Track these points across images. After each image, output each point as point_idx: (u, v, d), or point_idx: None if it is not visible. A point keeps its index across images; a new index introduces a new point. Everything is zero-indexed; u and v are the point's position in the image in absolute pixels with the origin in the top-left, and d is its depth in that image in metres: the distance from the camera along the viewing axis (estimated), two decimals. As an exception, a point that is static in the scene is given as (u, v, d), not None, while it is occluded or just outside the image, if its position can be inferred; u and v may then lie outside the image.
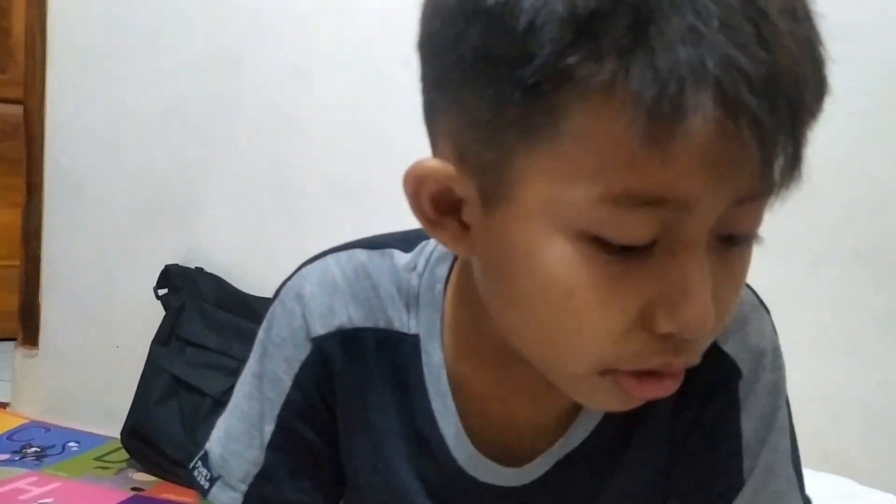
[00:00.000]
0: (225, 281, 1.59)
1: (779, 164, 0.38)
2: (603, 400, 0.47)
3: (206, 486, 0.61)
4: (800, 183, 0.39)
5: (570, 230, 0.40)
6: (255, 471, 0.60)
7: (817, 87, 0.39)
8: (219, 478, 0.61)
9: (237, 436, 0.61)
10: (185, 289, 1.56)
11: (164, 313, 1.55)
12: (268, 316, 0.62)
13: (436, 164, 0.45)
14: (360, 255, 0.59)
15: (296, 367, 0.59)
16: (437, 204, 0.46)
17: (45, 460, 1.52)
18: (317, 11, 1.50)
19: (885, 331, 1.23)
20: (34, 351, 1.76)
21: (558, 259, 0.41)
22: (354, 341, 0.58)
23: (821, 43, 0.40)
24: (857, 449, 1.24)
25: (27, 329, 1.77)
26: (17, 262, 1.82)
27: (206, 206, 1.61)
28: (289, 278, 0.62)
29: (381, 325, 0.58)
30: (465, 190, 0.44)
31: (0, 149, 2.40)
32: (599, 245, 0.40)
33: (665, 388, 0.45)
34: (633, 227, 0.39)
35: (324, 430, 0.60)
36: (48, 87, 1.72)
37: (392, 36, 1.19)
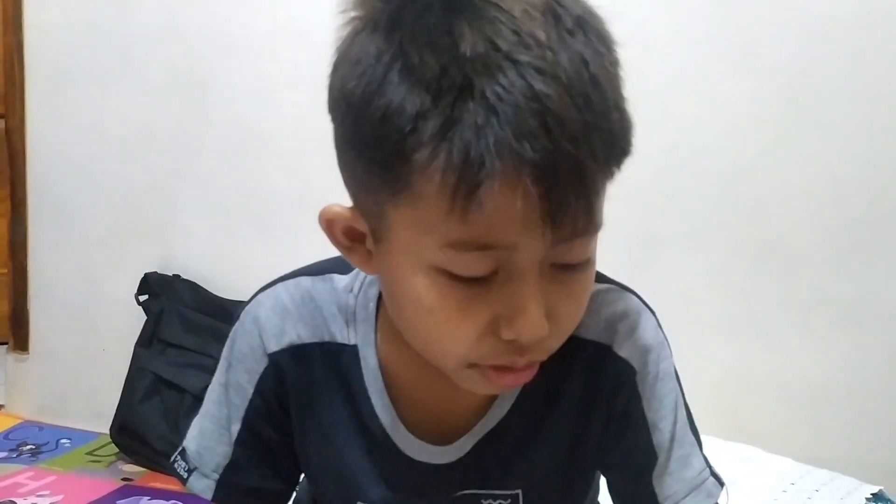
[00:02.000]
0: (200, 286, 1.70)
1: (573, 218, 0.50)
2: (477, 385, 0.61)
3: (185, 476, 0.75)
4: (600, 224, 0.53)
5: (426, 266, 0.53)
6: (224, 462, 0.73)
7: (605, 157, 0.50)
8: (195, 469, 0.74)
9: (209, 435, 0.74)
10: (164, 294, 1.68)
11: (145, 318, 1.67)
12: (231, 335, 0.75)
13: (339, 208, 0.59)
14: (305, 281, 0.72)
15: (256, 378, 0.72)
16: (349, 234, 0.60)
17: (41, 456, 1.64)
18: (275, 34, 1.61)
19: (790, 315, 1.37)
20: (25, 355, 1.87)
21: (419, 286, 0.55)
22: (304, 355, 0.72)
23: (616, 112, 0.51)
24: (767, 420, 1.38)
25: (17, 335, 1.88)
26: (4, 271, 1.94)
27: (180, 218, 1.73)
28: (247, 303, 0.75)
29: (326, 339, 0.71)
30: (362, 226, 0.58)
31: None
32: (450, 276, 0.53)
33: (519, 379, 0.60)
34: (472, 265, 0.52)
35: (281, 429, 0.74)
36: (27, 108, 1.82)
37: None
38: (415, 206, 0.51)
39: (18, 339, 1.88)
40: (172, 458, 0.76)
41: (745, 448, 1.25)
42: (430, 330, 0.57)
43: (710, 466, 0.71)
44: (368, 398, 0.71)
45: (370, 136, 0.51)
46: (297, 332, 0.72)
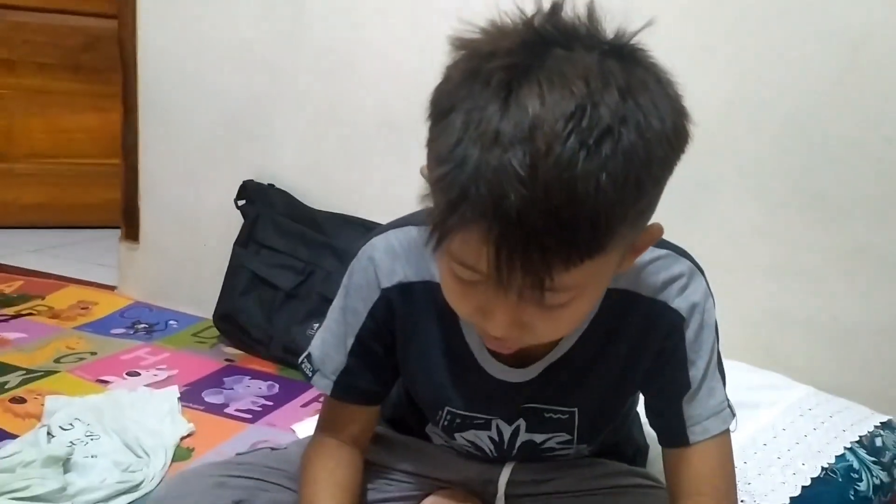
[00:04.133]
0: (292, 195, 1.86)
1: (520, 285, 0.63)
2: (487, 342, 0.81)
3: (310, 375, 0.95)
4: (568, 288, 0.65)
5: (447, 262, 0.70)
6: (341, 368, 0.93)
7: (560, 255, 0.61)
8: (318, 370, 0.95)
9: (329, 345, 0.94)
10: (259, 200, 1.86)
11: (242, 220, 1.87)
12: (349, 268, 0.93)
13: None
14: (412, 230, 0.89)
15: (369, 306, 0.91)
16: None
17: (154, 335, 1.88)
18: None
19: (831, 263, 1.47)
20: (136, 245, 2.09)
21: (439, 262, 0.73)
22: (409, 290, 0.90)
23: (588, 223, 0.59)
24: (796, 354, 1.51)
25: (129, 226, 2.09)
26: (108, 161, 2.11)
27: (275, 132, 1.88)
28: (364, 242, 0.93)
29: (427, 278, 0.89)
30: None
31: (83, 59, 2.68)
32: (452, 269, 0.70)
33: (507, 349, 0.78)
34: (460, 271, 0.68)
35: (386, 347, 0.93)
36: (138, 15, 1.97)
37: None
38: None
39: (130, 229, 2.10)
40: (300, 360, 0.96)
41: (773, 375, 1.41)
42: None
43: (728, 400, 0.88)
44: (460, 327, 0.89)
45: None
46: (404, 273, 0.90)
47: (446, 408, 0.94)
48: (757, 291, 1.54)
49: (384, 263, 0.90)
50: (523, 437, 0.96)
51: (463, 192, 0.59)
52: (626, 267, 0.77)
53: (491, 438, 0.97)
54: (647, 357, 0.88)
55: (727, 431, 0.88)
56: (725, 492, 0.86)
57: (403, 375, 0.97)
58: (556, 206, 0.57)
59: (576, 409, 0.93)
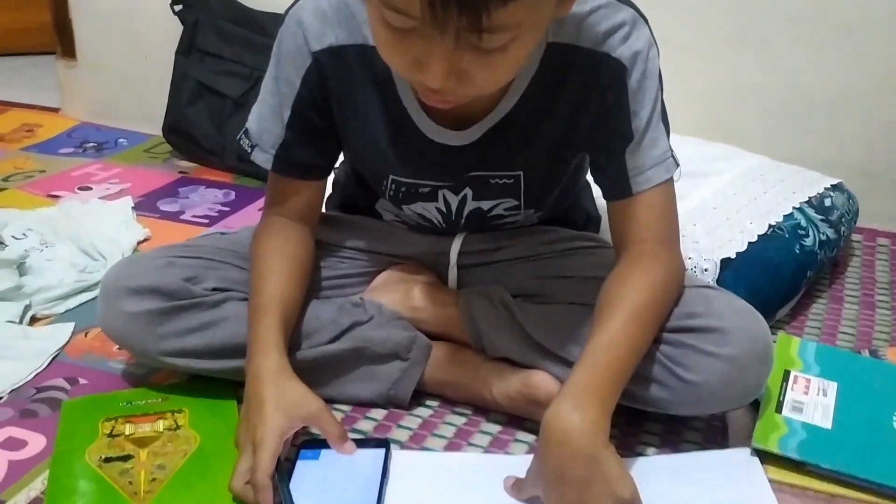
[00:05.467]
0: (232, -2, 1.78)
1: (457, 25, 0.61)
2: (422, 96, 0.78)
3: (249, 150, 0.93)
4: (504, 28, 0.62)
5: (375, 3, 0.66)
6: (279, 141, 0.91)
7: None
8: (256, 145, 0.92)
9: (266, 118, 0.91)
10: (197, 4, 1.76)
11: (181, 28, 1.78)
12: (278, 36, 0.88)
13: None
14: None
15: (302, 73, 0.87)
16: None
17: (104, 152, 1.83)
18: None
19: (788, 30, 1.45)
20: (73, 63, 1.99)
21: (371, 16, 0.70)
22: (342, 55, 0.86)
23: None
24: (750, 125, 1.52)
25: (64, 42, 1.98)
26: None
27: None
28: (290, 8, 0.87)
29: (360, 41, 0.85)
30: None
31: None
32: (384, 19, 0.66)
33: (445, 104, 0.75)
34: (392, 17, 0.65)
35: (324, 116, 0.90)
36: None
37: None
38: None
39: (65, 46, 1.99)
40: (238, 137, 0.94)
41: (726, 147, 1.41)
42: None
43: (671, 151, 0.88)
44: (396, 91, 0.86)
45: None
46: (335, 35, 0.86)
47: (390, 176, 0.93)
48: (711, 63, 1.51)
49: (313, 26, 0.86)
50: (470, 205, 0.96)
51: None
52: (565, 10, 0.74)
53: (438, 210, 0.96)
54: (590, 112, 0.86)
55: (670, 181, 0.88)
56: (667, 237, 0.87)
57: (345, 147, 0.95)
58: None
59: (521, 173, 0.92)
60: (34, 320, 1.14)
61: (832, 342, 1.11)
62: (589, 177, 0.99)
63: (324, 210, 1.04)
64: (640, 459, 0.85)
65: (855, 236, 1.42)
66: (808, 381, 0.90)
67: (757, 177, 1.29)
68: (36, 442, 0.88)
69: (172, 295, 0.89)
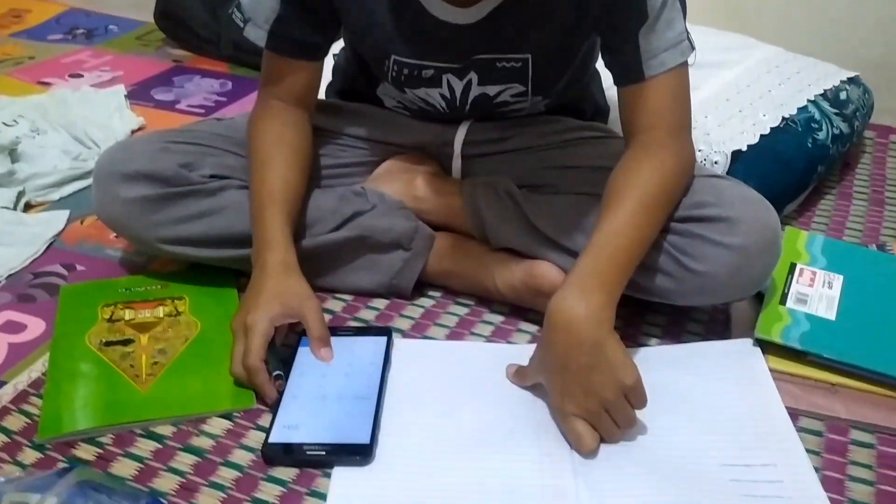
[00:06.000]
0: None
1: None
2: None
3: (242, 25, 0.89)
4: None
5: None
6: (273, 15, 0.86)
7: None
8: (250, 20, 0.88)
9: (259, -9, 0.86)
10: None
11: None
12: None
13: None
14: None
15: None
16: None
17: (94, 39, 1.77)
18: None
19: None
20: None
21: None
22: None
23: None
24: (770, 17, 1.46)
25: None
26: None
27: None
28: None
29: None
30: None
31: None
32: None
33: None
34: None
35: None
36: None
37: None
38: None
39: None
40: (230, 10, 0.90)
41: (741, 37, 1.35)
42: None
43: (687, 33, 0.83)
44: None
45: None
46: None
47: (392, 56, 0.89)
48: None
49: None
50: (475, 90, 0.92)
51: None
52: None
53: (442, 95, 0.93)
54: None
55: (685, 65, 0.84)
56: (679, 125, 0.84)
57: (344, 25, 0.91)
58: None
59: (528, 56, 0.88)
60: (28, 207, 1.12)
61: (839, 238, 1.09)
62: (599, 64, 0.95)
63: (324, 98, 1.00)
64: (643, 349, 0.85)
65: (868, 133, 1.39)
66: (814, 273, 0.89)
67: (772, 68, 1.24)
68: (35, 326, 0.88)
69: (168, 181, 0.87)
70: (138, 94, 1.49)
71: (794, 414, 0.77)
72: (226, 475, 0.70)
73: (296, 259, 0.82)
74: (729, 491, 0.68)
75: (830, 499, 0.67)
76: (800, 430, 0.75)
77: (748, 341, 0.84)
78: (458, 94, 0.92)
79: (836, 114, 1.19)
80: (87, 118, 1.32)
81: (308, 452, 0.71)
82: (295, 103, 0.92)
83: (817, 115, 1.16)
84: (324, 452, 0.71)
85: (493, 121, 0.98)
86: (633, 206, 0.76)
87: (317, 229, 0.91)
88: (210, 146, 0.92)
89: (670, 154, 0.81)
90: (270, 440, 0.72)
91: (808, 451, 0.72)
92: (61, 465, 0.70)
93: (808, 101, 1.17)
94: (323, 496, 0.68)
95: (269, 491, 0.69)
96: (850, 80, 1.28)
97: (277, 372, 0.76)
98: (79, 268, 0.98)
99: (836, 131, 1.17)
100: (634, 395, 0.71)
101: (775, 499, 0.67)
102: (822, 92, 1.21)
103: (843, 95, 1.23)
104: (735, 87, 1.18)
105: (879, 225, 1.14)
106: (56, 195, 1.14)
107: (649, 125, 0.83)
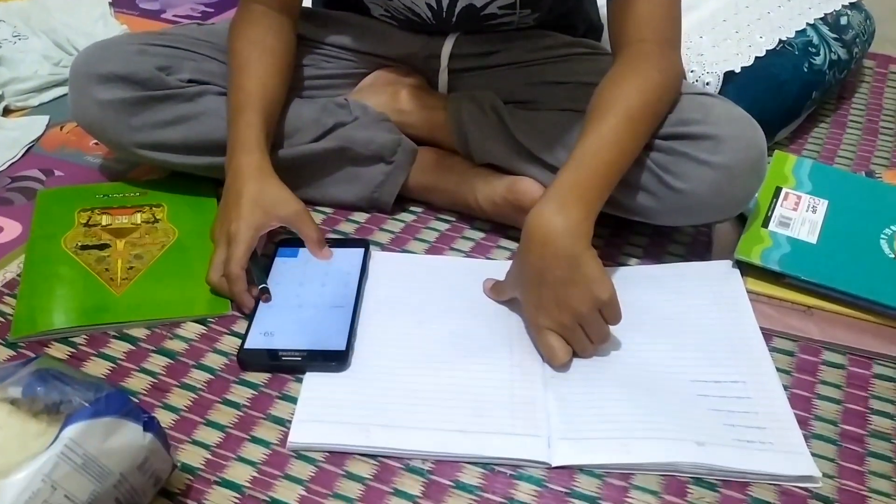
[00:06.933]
0: None
1: None
2: None
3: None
4: None
5: None
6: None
7: None
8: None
9: None
10: None
11: None
12: None
13: None
14: None
15: None
16: None
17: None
18: None
19: None
20: None
21: None
22: None
23: None
24: None
25: None
26: None
27: None
28: None
29: None
30: None
31: None
32: None
33: None
34: None
35: None
36: None
37: None
38: None
39: None
40: None
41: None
42: None
43: None
44: None
45: None
46: None
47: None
48: None
49: None
50: (462, 1, 0.89)
51: None
52: None
53: (428, 5, 0.90)
54: None
55: (677, -23, 0.81)
56: (668, 38, 0.82)
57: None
58: None
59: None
60: (7, 112, 1.10)
61: (830, 165, 1.08)
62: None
63: (310, 5, 0.97)
64: (622, 268, 0.85)
65: (867, 62, 1.36)
66: (799, 197, 0.88)
67: (772, -9, 1.20)
68: (11, 228, 0.87)
69: (145, 84, 0.85)
70: (123, 2, 1.45)
71: (768, 334, 0.77)
72: (198, 377, 0.71)
73: (270, 164, 0.81)
74: (697, 405, 0.68)
75: (797, 416, 0.68)
76: (773, 349, 0.75)
77: (727, 263, 0.84)
78: (444, 3, 0.90)
79: (835, 39, 1.16)
80: (69, 25, 1.29)
81: (284, 358, 0.71)
82: (279, 9, 0.89)
83: (815, 40, 1.13)
84: (300, 358, 0.71)
85: (482, 34, 0.95)
86: (617, 120, 0.75)
87: (296, 139, 0.90)
88: (190, 50, 0.90)
89: (657, 69, 0.79)
90: (246, 346, 0.72)
91: (779, 369, 0.73)
92: (34, 362, 0.70)
93: (808, 24, 1.14)
94: (293, 399, 0.69)
95: (240, 393, 0.70)
96: (853, 5, 1.24)
97: (263, 285, 0.75)
98: (57, 173, 0.97)
99: (834, 56, 1.14)
100: (609, 310, 0.70)
101: (742, 414, 0.68)
102: (823, 16, 1.17)
103: (843, 20, 1.20)
104: (733, 8, 1.15)
105: (871, 154, 1.12)
106: (36, 101, 1.12)
107: (637, 37, 0.81)
